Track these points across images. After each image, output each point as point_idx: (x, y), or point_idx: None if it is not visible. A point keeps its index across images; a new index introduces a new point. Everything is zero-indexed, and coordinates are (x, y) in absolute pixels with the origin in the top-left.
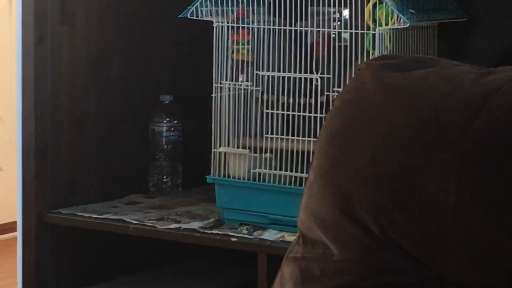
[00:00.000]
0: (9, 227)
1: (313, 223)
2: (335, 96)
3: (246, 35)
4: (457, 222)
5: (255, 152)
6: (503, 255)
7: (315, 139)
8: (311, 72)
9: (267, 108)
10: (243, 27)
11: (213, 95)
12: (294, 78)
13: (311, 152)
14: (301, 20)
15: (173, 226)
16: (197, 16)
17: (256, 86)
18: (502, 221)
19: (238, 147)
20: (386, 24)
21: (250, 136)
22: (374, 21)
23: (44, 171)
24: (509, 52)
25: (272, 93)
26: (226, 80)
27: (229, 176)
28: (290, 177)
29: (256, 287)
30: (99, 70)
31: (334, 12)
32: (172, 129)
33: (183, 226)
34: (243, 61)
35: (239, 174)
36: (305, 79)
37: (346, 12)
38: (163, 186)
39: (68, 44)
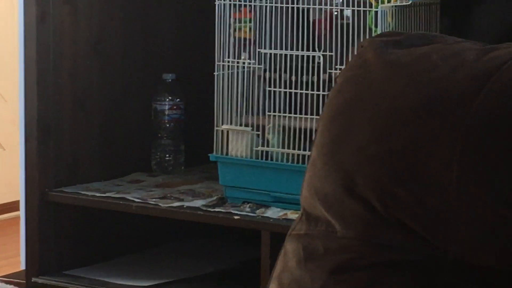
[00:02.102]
0: (12, 206)
1: (316, 201)
2: (338, 74)
3: (248, 13)
4: (460, 199)
5: (258, 130)
6: (506, 232)
7: (318, 117)
8: (314, 50)
9: (270, 86)
10: (245, 5)
11: (216, 73)
12: (297, 56)
13: (314, 130)
14: None
15: (176, 204)
16: None
17: (258, 64)
18: (506, 198)
19: (240, 125)
20: (389, 1)
21: (252, 114)
22: None
23: (47, 150)
24: (511, 29)
25: (275, 71)
26: (229, 58)
27: (232, 154)
28: (293, 154)
29: (259, 265)
30: (101, 49)
31: None
32: (175, 107)
33: (186, 204)
34: (245, 39)
35: (242, 152)
36: (308, 57)
37: None
38: (165, 165)
39: (70, 23)
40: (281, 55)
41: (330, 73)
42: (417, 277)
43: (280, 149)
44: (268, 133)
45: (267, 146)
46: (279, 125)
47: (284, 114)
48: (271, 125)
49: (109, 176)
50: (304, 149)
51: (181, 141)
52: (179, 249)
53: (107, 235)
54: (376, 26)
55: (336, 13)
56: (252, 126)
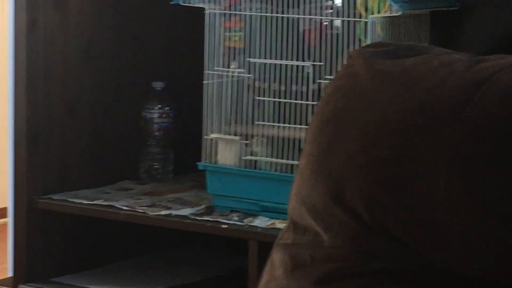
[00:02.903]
0: (1, 212)
1: (304, 210)
2: (327, 84)
3: (238, 22)
4: (449, 209)
5: (246, 139)
6: (493, 243)
7: (307, 127)
8: (303, 60)
9: (259, 95)
10: (235, 14)
11: (205, 82)
12: (286, 65)
13: (302, 140)
14: (293, 7)
15: (164, 212)
16: (189, 2)
17: (248, 73)
18: (493, 209)
19: (229, 134)
20: (378, 12)
21: (241, 123)
22: (366, 9)
23: (36, 157)
24: (501, 41)
25: (264, 81)
26: (218, 67)
27: (220, 163)
28: (281, 164)
29: (247, 274)
30: (91, 56)
31: (327, 0)
32: (164, 115)
33: (174, 212)
34: (235, 48)
35: (230, 161)
36: (297, 66)
37: (338, 0)
38: (154, 173)
39: (61, 30)
40: (270, 64)
41: (319, 83)
42: (404, 287)
43: (269, 159)
44: (256, 146)
45: (255, 154)
46: (267, 135)
47: (273, 124)
48: (257, 137)
49: (97, 183)
50: (293, 159)
51: (170, 150)
52: (167, 257)
53: (95, 242)
54: (366, 36)
55: (326, 23)
56: (241, 135)
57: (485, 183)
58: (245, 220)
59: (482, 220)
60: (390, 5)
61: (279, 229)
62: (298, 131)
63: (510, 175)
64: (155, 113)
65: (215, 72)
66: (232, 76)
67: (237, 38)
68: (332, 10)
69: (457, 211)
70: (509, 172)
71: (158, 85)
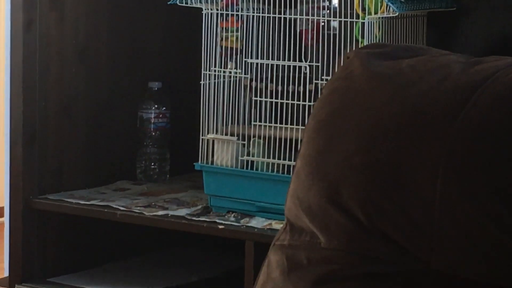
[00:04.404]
0: None
1: (300, 211)
2: (324, 84)
3: (235, 22)
4: (444, 211)
5: (243, 139)
6: (488, 245)
7: (304, 127)
8: (300, 60)
9: (256, 96)
10: (232, 14)
11: (202, 82)
12: (283, 66)
13: (299, 140)
14: (290, 7)
15: (160, 213)
16: (186, 2)
17: (244, 74)
18: (488, 211)
19: (226, 135)
20: (376, 12)
21: (238, 124)
22: (363, 9)
23: (32, 157)
24: (498, 42)
25: (261, 81)
26: (215, 67)
27: (217, 164)
28: (278, 165)
29: (243, 275)
30: (87, 56)
31: (323, 0)
32: (161, 115)
33: (171, 213)
34: (232, 48)
35: (227, 161)
36: (294, 67)
37: (335, 0)
38: (150, 173)
39: (57, 30)
40: (267, 65)
41: (316, 84)
42: None
43: (266, 159)
44: (253, 146)
45: (252, 156)
46: (264, 135)
47: (270, 124)
48: (254, 137)
49: (94, 183)
50: (290, 159)
51: (166, 150)
52: (163, 258)
53: (91, 243)
54: (362, 37)
55: (323, 23)
56: (238, 135)
57: (480, 185)
58: (242, 221)
59: (478, 222)
60: (387, 5)
61: (275, 229)
62: (295, 131)
63: (505, 177)
64: (152, 113)
65: (212, 72)
66: (229, 77)
67: (234, 39)
68: (329, 11)
69: (452, 213)
70: (504, 174)
71: (154, 85)
